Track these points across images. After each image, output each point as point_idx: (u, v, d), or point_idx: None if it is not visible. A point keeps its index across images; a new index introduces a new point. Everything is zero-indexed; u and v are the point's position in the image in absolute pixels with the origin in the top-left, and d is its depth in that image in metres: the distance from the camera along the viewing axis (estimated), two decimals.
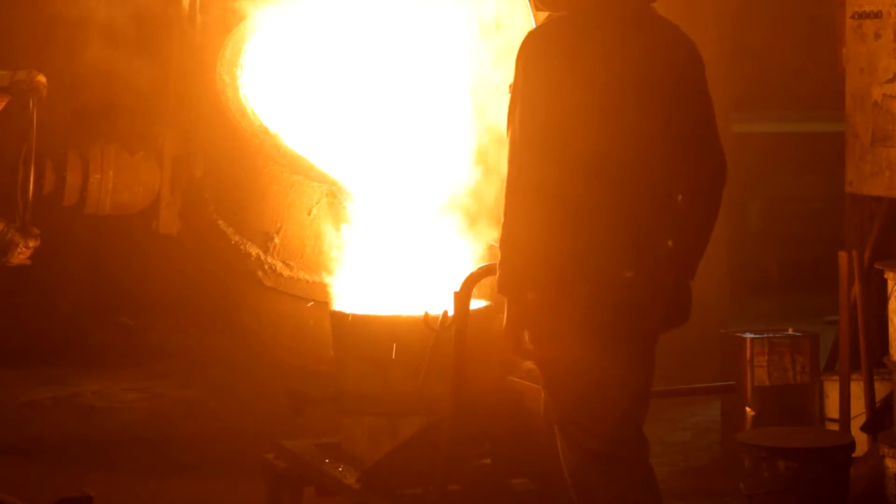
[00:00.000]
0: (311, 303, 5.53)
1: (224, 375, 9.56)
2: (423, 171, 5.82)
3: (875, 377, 6.85)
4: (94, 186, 6.21)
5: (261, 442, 6.38)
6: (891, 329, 6.51)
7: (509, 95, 4.39)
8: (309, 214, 5.88)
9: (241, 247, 5.93)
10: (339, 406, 5.43)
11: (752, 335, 7.47)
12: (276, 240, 5.91)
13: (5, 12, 10.76)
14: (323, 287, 5.79)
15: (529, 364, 5.40)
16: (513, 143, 4.32)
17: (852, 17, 6.99)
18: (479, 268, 4.85)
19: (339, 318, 5.49)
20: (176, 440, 7.91)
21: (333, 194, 5.82)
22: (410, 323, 5.20)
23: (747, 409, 7.31)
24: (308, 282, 5.92)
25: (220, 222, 5.99)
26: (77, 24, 10.71)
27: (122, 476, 7.16)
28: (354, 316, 5.46)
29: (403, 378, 5.21)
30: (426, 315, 5.06)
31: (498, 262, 4.33)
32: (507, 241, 4.31)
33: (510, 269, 4.31)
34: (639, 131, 4.33)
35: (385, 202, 5.74)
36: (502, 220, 4.32)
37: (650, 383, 4.48)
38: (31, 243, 6.39)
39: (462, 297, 4.77)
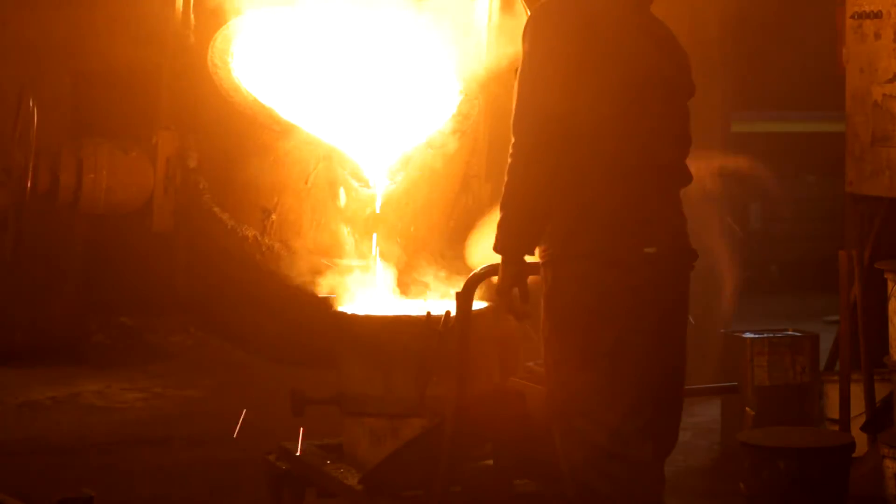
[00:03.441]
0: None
1: (224, 375, 9.56)
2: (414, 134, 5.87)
3: (875, 377, 6.85)
4: (88, 186, 6.20)
5: (262, 443, 6.38)
6: (891, 329, 6.52)
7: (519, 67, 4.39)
8: (306, 183, 5.85)
9: (238, 231, 5.90)
10: (341, 407, 5.43)
11: (752, 335, 7.48)
12: (273, 216, 5.87)
13: (2, 13, 10.77)
14: (321, 266, 5.76)
15: (530, 364, 5.41)
16: (520, 105, 4.33)
17: (852, 17, 6.99)
18: (482, 268, 4.84)
19: (340, 318, 5.49)
20: (176, 440, 7.91)
21: (330, 158, 5.79)
22: (412, 324, 5.20)
23: (747, 409, 7.31)
24: (306, 262, 5.88)
25: (216, 209, 5.97)
26: (74, 26, 10.75)
27: (122, 476, 7.15)
28: (356, 316, 5.45)
29: (405, 379, 5.20)
30: (428, 315, 5.06)
31: (497, 222, 4.36)
32: (508, 203, 4.34)
33: (509, 233, 4.35)
34: (650, 111, 4.38)
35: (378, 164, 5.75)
36: (506, 179, 4.34)
37: (678, 374, 4.46)
38: None
39: (464, 298, 4.77)
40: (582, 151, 4.32)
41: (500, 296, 4.44)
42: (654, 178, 4.37)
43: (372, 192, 5.69)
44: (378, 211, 5.74)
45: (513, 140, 4.35)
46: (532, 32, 4.37)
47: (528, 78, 4.34)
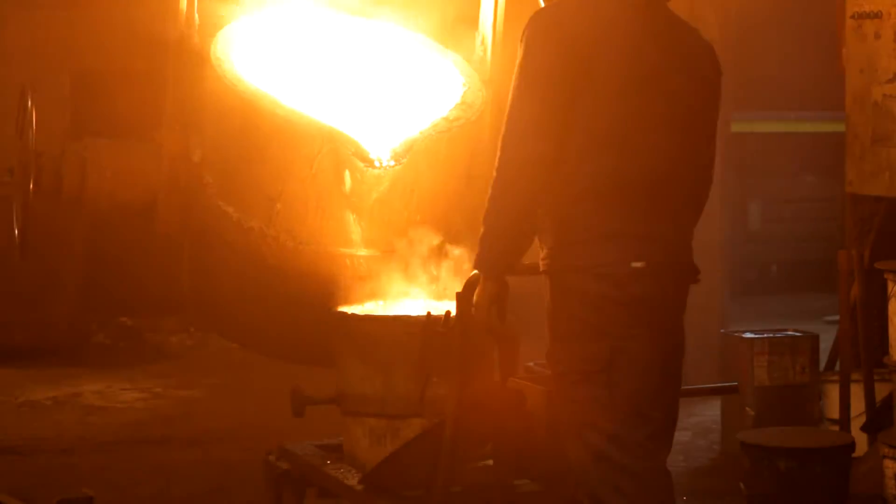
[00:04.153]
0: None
1: (224, 375, 9.58)
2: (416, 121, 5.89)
3: (875, 377, 6.85)
4: (93, 186, 6.19)
5: (262, 443, 6.38)
6: (891, 329, 6.51)
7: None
8: (311, 168, 5.82)
9: (243, 223, 5.88)
10: (341, 407, 5.43)
11: (752, 335, 7.48)
12: (278, 205, 5.85)
13: (2, 12, 10.79)
14: (328, 256, 5.75)
15: (530, 364, 5.41)
16: (510, 119, 4.27)
17: (852, 17, 6.99)
18: None
19: (339, 318, 5.49)
20: (176, 440, 7.92)
21: (333, 140, 5.79)
22: (412, 324, 5.20)
23: (747, 409, 7.32)
24: (312, 252, 5.85)
25: (220, 203, 5.95)
26: (74, 26, 10.76)
27: (122, 476, 7.16)
28: (356, 316, 5.45)
29: (405, 379, 5.20)
30: (428, 315, 5.06)
31: (479, 237, 4.32)
32: (489, 220, 4.28)
33: (489, 250, 4.31)
34: (652, 124, 4.30)
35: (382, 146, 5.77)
36: (489, 193, 4.28)
37: (675, 383, 4.42)
38: None
39: (464, 298, 4.76)
40: (576, 164, 4.27)
41: (477, 312, 4.41)
42: (652, 191, 4.30)
43: (377, 173, 5.68)
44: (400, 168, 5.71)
45: (499, 154, 4.28)
46: (527, 41, 4.29)
47: (520, 91, 4.26)
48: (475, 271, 4.51)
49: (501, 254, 4.33)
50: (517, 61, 4.31)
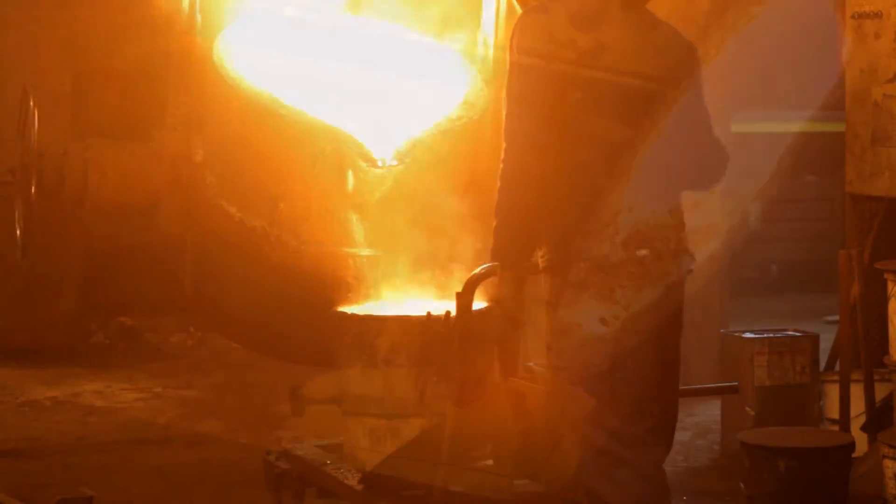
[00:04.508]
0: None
1: (224, 375, 9.58)
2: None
3: (875, 377, 6.85)
4: (94, 187, 6.19)
5: (262, 443, 6.39)
6: (891, 329, 6.52)
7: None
8: (313, 168, 5.83)
9: (245, 223, 5.88)
10: (341, 407, 5.43)
11: (752, 335, 7.48)
12: (281, 205, 5.85)
13: (2, 10, 10.79)
14: (331, 256, 5.76)
15: (530, 364, 5.42)
16: (509, 115, 4.35)
17: (852, 17, 7.00)
18: (482, 269, 4.84)
19: (340, 318, 5.49)
20: (176, 440, 7.92)
21: (336, 139, 5.79)
22: (412, 324, 5.20)
23: (747, 409, 7.31)
24: (315, 252, 5.86)
25: (223, 203, 5.95)
26: (75, 25, 10.75)
27: (122, 476, 7.16)
28: (355, 316, 5.45)
29: (405, 379, 5.21)
30: (428, 315, 5.06)
31: (493, 230, 4.38)
32: (502, 211, 4.35)
33: (505, 238, 4.36)
34: (641, 117, 4.34)
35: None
36: (498, 185, 4.35)
37: (674, 376, 4.45)
38: None
39: (464, 298, 4.76)
40: (575, 158, 4.32)
41: (496, 303, 4.45)
42: (651, 182, 4.35)
43: (380, 173, 5.69)
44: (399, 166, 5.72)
45: (504, 146, 4.36)
46: (516, 43, 4.37)
47: (515, 89, 4.34)
48: (477, 269, 4.53)
49: (515, 241, 4.37)
50: (508, 62, 4.38)
